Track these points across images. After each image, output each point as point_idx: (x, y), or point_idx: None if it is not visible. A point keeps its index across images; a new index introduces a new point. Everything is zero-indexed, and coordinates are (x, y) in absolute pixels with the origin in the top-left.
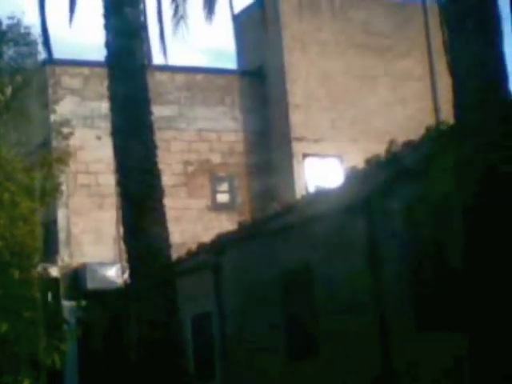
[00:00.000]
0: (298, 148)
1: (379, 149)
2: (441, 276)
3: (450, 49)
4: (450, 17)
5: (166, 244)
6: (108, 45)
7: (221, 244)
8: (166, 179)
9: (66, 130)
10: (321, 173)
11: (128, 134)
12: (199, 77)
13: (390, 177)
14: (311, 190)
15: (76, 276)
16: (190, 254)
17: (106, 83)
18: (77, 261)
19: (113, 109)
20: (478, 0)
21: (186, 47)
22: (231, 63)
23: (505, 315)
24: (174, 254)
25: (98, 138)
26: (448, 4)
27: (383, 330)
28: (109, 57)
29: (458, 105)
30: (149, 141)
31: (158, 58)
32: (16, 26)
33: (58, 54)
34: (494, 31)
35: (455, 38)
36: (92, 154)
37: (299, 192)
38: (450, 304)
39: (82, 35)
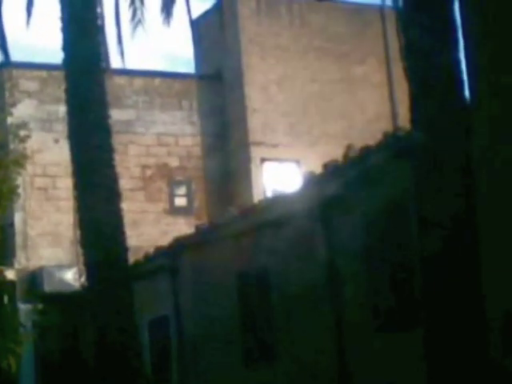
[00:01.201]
0: (256, 152)
1: (337, 154)
2: (397, 279)
3: (407, 55)
4: (406, 23)
5: (123, 247)
6: (65, 47)
7: (178, 248)
8: (124, 183)
9: (22, 133)
10: (279, 177)
11: (85, 137)
12: (157, 81)
13: (347, 181)
14: (269, 194)
15: (33, 279)
16: (147, 258)
17: (63, 86)
18: (34, 264)
19: (70, 112)
20: (434, 6)
21: (142, 52)
22: (187, 69)
23: (460, 316)
24: (131, 258)
25: (56, 141)
26: (404, 10)
27: (340, 333)
28: (66, 60)
29: (415, 111)
30: (106, 144)
31: (115, 62)
32: None
33: (15, 57)
34: (450, 37)
35: (411, 44)
36: (49, 157)
37: (257, 196)
38: (406, 305)
39: (38, 39)
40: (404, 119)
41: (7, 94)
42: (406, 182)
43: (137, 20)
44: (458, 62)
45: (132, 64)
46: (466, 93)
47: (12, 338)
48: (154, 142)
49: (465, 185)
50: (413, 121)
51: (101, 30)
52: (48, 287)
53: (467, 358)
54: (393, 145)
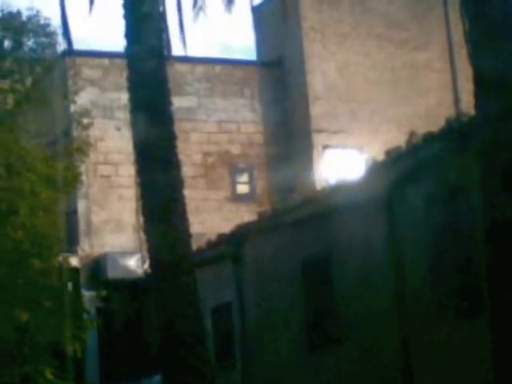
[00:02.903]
0: (317, 139)
1: (399, 140)
2: (462, 265)
3: (470, 39)
4: (469, 6)
5: (186, 234)
6: (127, 35)
7: (241, 235)
8: (186, 170)
9: (86, 121)
10: (341, 164)
11: (148, 124)
12: (218, 68)
13: (410, 168)
14: (331, 181)
15: (96, 266)
16: (210, 245)
17: (125, 74)
18: (97, 250)
19: (132, 99)
20: None
21: (198, 40)
22: (243, 57)
23: None
24: (194, 245)
25: (118, 128)
26: None
27: (403, 317)
28: (128, 47)
29: (479, 96)
30: (169, 131)
31: (176, 49)
32: (36, 16)
33: (77, 46)
34: None
35: (475, 28)
36: (111, 144)
37: (319, 183)
38: (471, 292)
39: (99, 33)
40: (467, 105)
41: (70, 81)
42: (469, 168)
43: (198, 7)
44: None
45: (189, 52)
46: None
47: (77, 324)
48: (216, 130)
49: None
50: (477, 106)
51: (162, 16)
52: (111, 274)
53: None
54: (456, 131)
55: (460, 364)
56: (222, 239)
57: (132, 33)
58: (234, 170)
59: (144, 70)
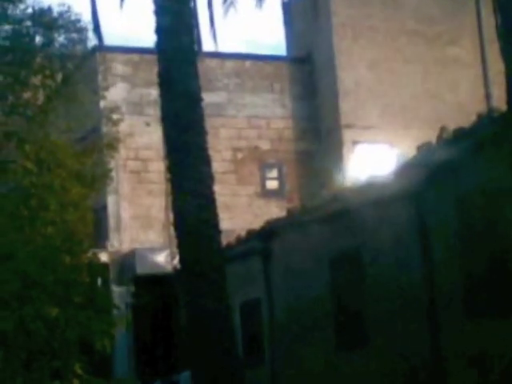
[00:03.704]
0: (347, 135)
1: (430, 136)
2: (494, 263)
3: (502, 33)
4: (501, 1)
5: (215, 230)
6: (158, 30)
7: (270, 231)
8: (216, 166)
9: (115, 117)
10: (371, 160)
11: (178, 120)
12: (248, 64)
13: (441, 164)
14: (361, 177)
15: (125, 261)
16: (240, 241)
17: (155, 70)
18: (126, 246)
19: (163, 95)
20: None
21: (225, 37)
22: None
23: None
24: (224, 241)
25: (148, 124)
26: None
27: (433, 317)
28: (159, 42)
29: (511, 91)
30: (199, 127)
31: (207, 45)
32: (66, 12)
33: (108, 41)
34: None
35: (508, 22)
36: (141, 140)
37: (349, 179)
38: (500, 292)
39: (130, 28)
40: (498, 100)
41: (100, 77)
42: (501, 164)
43: (229, 2)
44: None
45: (219, 47)
46: None
47: (106, 319)
48: (245, 125)
49: None
50: (509, 102)
51: (193, 11)
52: (140, 270)
53: None
54: (487, 126)
55: (493, 365)
56: (252, 235)
57: (163, 28)
58: (264, 166)
59: (175, 66)
